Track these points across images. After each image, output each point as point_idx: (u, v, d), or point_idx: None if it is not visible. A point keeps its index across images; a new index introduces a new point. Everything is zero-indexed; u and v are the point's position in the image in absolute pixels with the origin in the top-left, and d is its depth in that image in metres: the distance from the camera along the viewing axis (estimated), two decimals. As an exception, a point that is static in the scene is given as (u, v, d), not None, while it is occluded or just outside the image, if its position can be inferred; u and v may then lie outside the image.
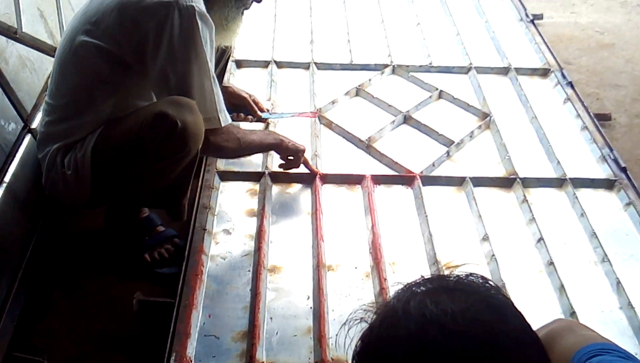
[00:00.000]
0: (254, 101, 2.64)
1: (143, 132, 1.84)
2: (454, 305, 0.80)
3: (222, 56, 2.46)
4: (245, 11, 2.16)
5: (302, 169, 2.39)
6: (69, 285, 2.16)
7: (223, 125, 1.99)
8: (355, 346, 0.87)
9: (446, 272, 0.91)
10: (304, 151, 2.33)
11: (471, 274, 0.89)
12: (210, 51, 1.92)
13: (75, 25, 1.95)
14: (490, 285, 0.87)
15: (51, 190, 2.06)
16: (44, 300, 2.09)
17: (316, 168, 2.42)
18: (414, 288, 0.87)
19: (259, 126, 2.65)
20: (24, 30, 2.18)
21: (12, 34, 2.11)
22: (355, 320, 0.91)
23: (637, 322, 1.94)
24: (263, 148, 2.32)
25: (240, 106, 2.61)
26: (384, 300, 1.59)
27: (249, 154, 2.36)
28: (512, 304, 0.85)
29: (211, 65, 1.94)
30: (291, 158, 2.33)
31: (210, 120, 1.95)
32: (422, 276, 0.90)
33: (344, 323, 0.92)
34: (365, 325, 0.89)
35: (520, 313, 0.85)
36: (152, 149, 1.86)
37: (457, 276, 0.88)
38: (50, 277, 2.16)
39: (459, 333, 0.78)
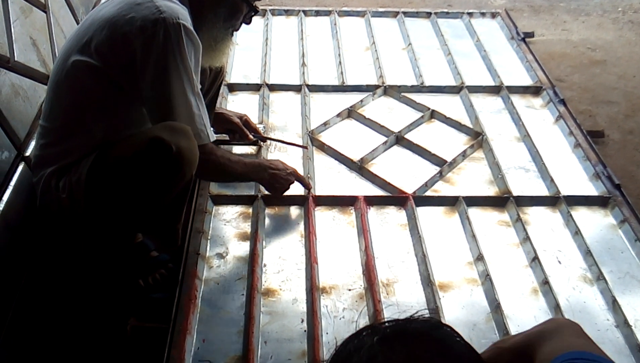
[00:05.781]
0: (246, 121, 2.65)
1: (138, 157, 1.84)
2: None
3: (216, 78, 2.47)
4: (234, 32, 2.17)
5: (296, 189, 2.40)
6: (63, 311, 2.15)
7: (207, 141, 2.01)
8: None
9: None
10: (291, 180, 2.36)
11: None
12: (194, 67, 1.93)
13: (68, 46, 1.97)
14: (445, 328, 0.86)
15: (45, 214, 2.06)
16: (38, 326, 2.08)
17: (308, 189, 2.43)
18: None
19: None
20: (16, 59, 2.18)
21: (5, 63, 2.11)
22: None
23: (633, 340, 1.93)
24: (245, 177, 2.34)
25: (234, 131, 2.63)
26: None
27: (233, 178, 2.37)
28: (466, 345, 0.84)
29: (196, 81, 1.95)
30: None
31: (194, 135, 1.95)
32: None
33: None
34: None
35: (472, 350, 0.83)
36: (147, 174, 1.86)
37: (411, 318, 0.86)
38: (44, 304, 2.15)
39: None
